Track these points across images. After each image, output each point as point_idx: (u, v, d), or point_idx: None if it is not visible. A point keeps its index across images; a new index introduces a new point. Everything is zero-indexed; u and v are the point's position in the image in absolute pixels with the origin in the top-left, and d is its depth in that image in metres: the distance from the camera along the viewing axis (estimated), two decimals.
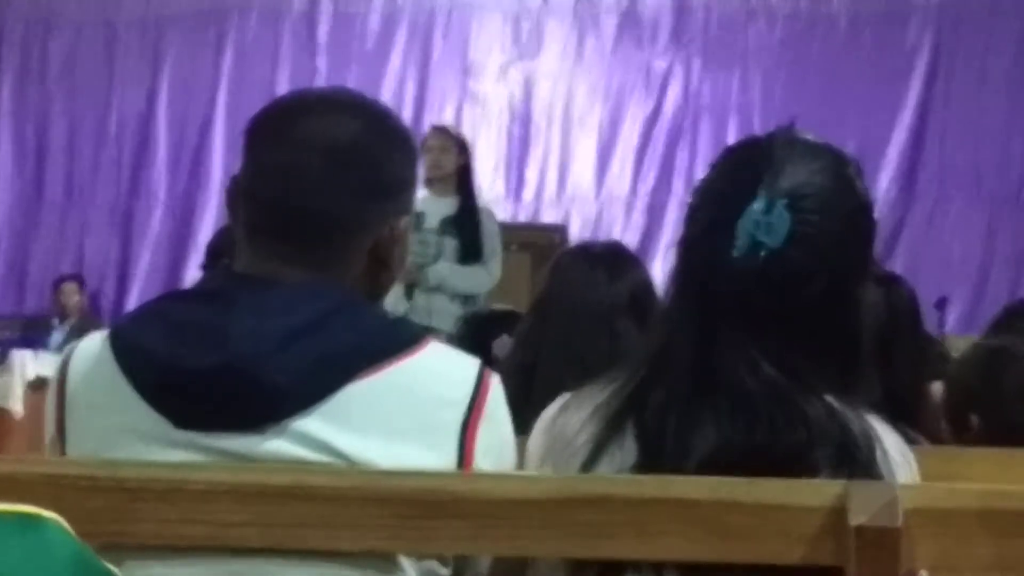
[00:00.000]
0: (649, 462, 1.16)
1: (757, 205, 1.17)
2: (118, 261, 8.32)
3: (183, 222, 8.21)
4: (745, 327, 1.19)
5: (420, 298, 4.81)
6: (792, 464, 1.14)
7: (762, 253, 1.17)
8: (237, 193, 1.28)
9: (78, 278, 7.75)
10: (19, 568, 0.57)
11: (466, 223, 5.02)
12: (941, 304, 6.09)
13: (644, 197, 7.96)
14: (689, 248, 1.24)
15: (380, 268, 1.26)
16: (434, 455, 1.17)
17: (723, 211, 1.19)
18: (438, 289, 4.92)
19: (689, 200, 1.29)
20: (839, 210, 1.19)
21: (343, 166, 1.23)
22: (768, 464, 1.14)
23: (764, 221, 1.18)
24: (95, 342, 1.24)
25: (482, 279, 5.03)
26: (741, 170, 1.21)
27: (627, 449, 1.19)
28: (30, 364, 6.54)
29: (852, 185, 1.22)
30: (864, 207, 1.23)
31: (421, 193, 4.59)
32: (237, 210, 1.28)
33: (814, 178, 1.18)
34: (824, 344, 1.22)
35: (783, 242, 1.16)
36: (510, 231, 5.81)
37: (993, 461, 1.77)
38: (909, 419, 1.88)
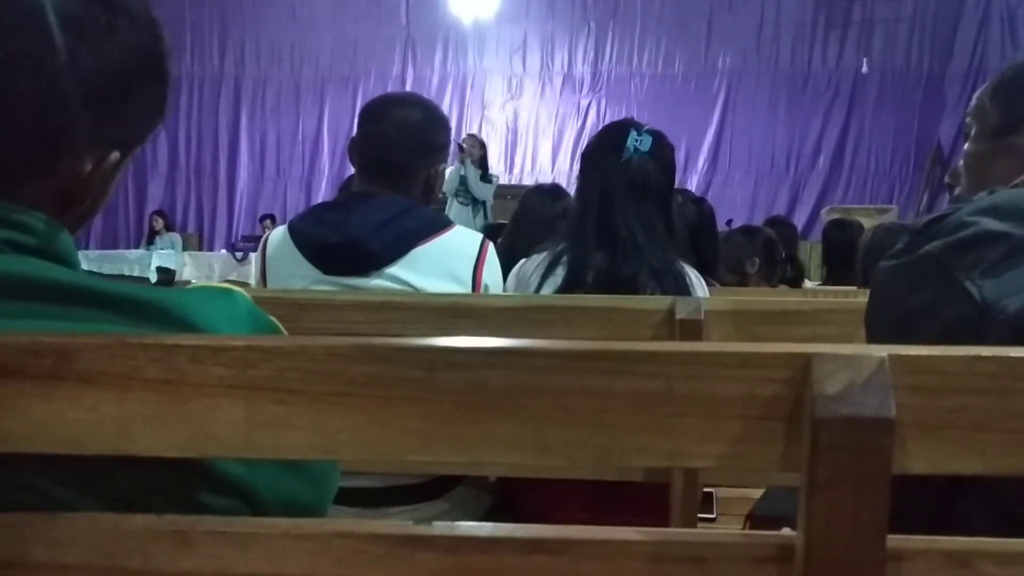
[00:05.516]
0: (571, 282, 1.48)
1: (635, 133, 1.55)
2: (305, 206, 7.03)
3: (337, 184, 8.02)
4: (625, 203, 1.48)
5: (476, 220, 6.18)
6: (647, 284, 1.43)
7: (637, 157, 1.50)
8: (353, 148, 1.55)
9: (273, 216, 9.58)
10: (220, 312, 0.66)
11: (485, 178, 6.72)
12: (729, 223, 7.18)
13: (576, 171, 6.79)
14: (594, 164, 1.57)
15: (429, 190, 1.55)
16: (458, 285, 1.44)
17: (613, 143, 1.56)
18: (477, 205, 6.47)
19: (590, 142, 1.67)
20: (666, 145, 1.59)
21: (410, 136, 1.48)
22: (633, 284, 1.42)
23: (640, 139, 1.55)
24: (281, 230, 1.48)
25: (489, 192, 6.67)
26: (620, 127, 1.59)
27: (558, 276, 1.52)
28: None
29: (666, 140, 1.57)
30: (672, 151, 1.59)
31: (463, 168, 6.54)
32: (353, 157, 1.52)
33: (653, 132, 1.58)
34: (664, 219, 1.54)
35: (648, 151, 1.51)
36: (506, 188, 7.19)
37: (747, 291, 2.38)
38: (710, 272, 2.39)
